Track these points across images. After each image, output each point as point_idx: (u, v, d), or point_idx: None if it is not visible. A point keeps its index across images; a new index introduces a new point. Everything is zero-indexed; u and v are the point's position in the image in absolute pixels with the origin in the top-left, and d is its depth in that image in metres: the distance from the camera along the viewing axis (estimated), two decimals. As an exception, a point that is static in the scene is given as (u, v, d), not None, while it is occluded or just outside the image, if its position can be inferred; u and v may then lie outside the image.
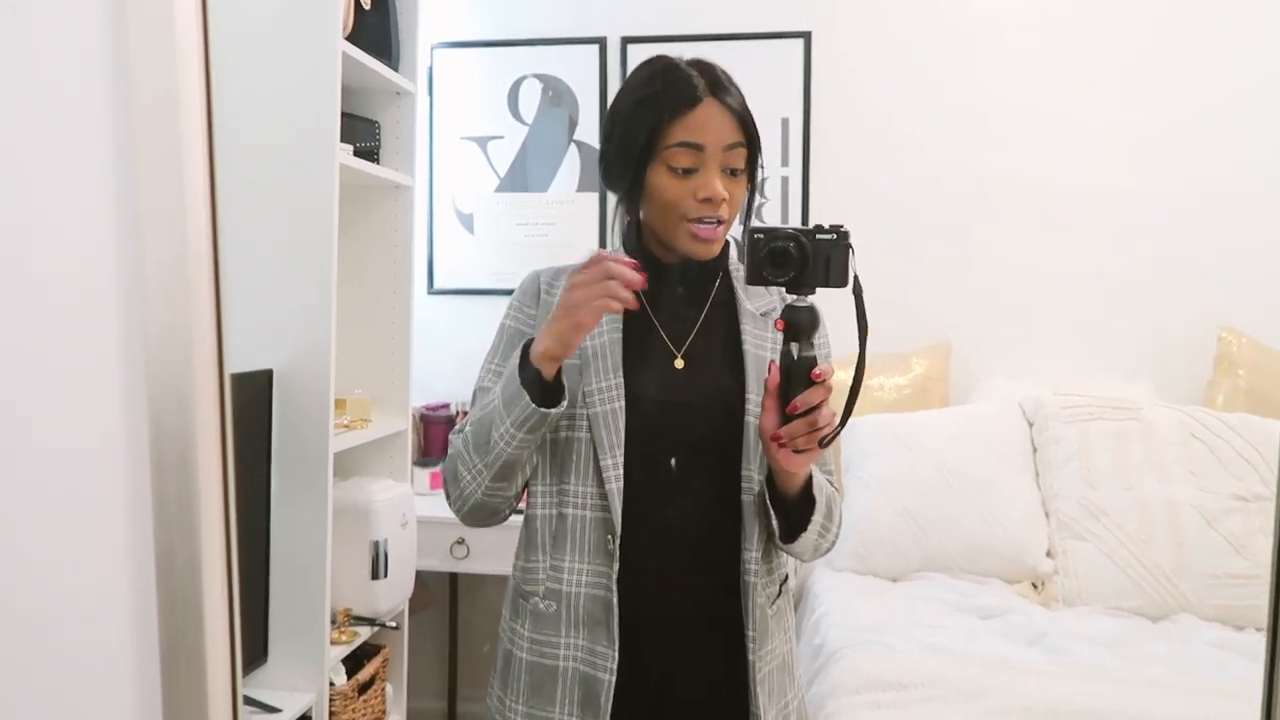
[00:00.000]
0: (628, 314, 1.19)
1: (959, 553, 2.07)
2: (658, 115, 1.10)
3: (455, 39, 2.78)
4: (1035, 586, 2.05)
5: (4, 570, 0.74)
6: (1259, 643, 1.79)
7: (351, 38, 1.93)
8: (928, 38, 2.60)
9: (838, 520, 1.18)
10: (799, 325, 1.02)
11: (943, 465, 2.15)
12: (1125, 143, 2.52)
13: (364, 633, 1.91)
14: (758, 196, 1.20)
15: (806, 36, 2.63)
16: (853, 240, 1.04)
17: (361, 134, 2.12)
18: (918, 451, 2.19)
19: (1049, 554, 2.05)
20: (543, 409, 1.08)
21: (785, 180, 2.66)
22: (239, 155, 1.81)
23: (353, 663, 1.89)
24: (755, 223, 1.09)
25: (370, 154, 2.14)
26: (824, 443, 1.05)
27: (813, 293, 1.04)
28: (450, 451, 1.19)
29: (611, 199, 1.23)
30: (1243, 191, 2.50)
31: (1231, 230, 2.51)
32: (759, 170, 1.18)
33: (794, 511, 1.12)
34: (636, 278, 1.06)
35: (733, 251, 1.25)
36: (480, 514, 1.17)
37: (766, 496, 1.13)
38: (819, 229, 1.03)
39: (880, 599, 1.96)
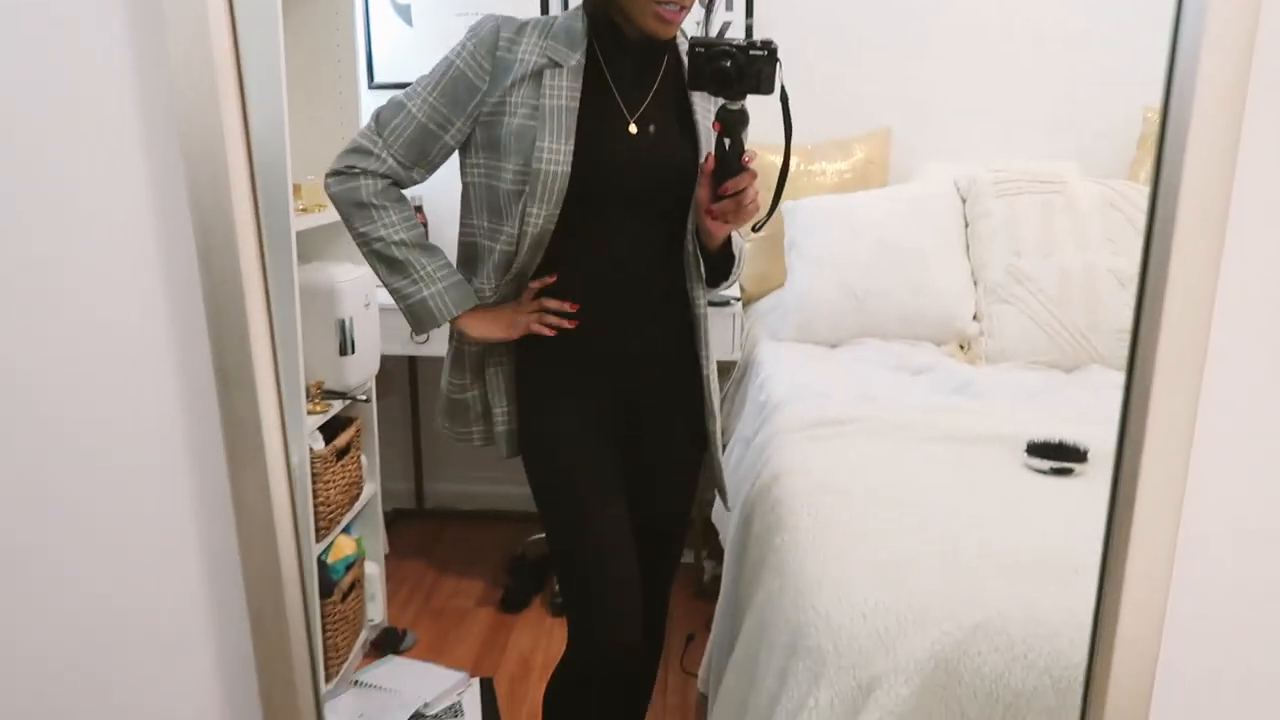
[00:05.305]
0: (586, 78, 1.26)
1: (893, 320, 2.21)
2: None
3: None
4: (962, 347, 2.21)
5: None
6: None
7: None
8: None
9: (741, 263, 1.42)
10: (732, 124, 1.21)
11: (880, 242, 2.26)
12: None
13: (336, 405, 2.02)
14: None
15: None
16: (780, 54, 1.20)
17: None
18: (857, 230, 2.29)
19: (975, 318, 2.21)
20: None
21: (731, -35, 2.62)
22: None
23: (329, 433, 2.00)
24: (695, 35, 1.29)
25: (305, -70, 2.06)
26: (757, 228, 1.30)
27: (744, 97, 1.20)
28: (355, 196, 1.31)
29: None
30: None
31: (1158, 8, 2.55)
32: None
33: (717, 260, 1.36)
34: (564, 323, 1.33)
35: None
36: None
37: (698, 247, 1.34)
38: (751, 45, 1.18)
39: (820, 362, 2.11)
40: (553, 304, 1.33)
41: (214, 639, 0.82)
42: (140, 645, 0.85)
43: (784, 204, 2.51)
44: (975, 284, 2.23)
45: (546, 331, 1.33)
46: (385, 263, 1.32)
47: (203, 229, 0.71)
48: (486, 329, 1.34)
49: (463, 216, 1.37)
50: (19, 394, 0.81)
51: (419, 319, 1.33)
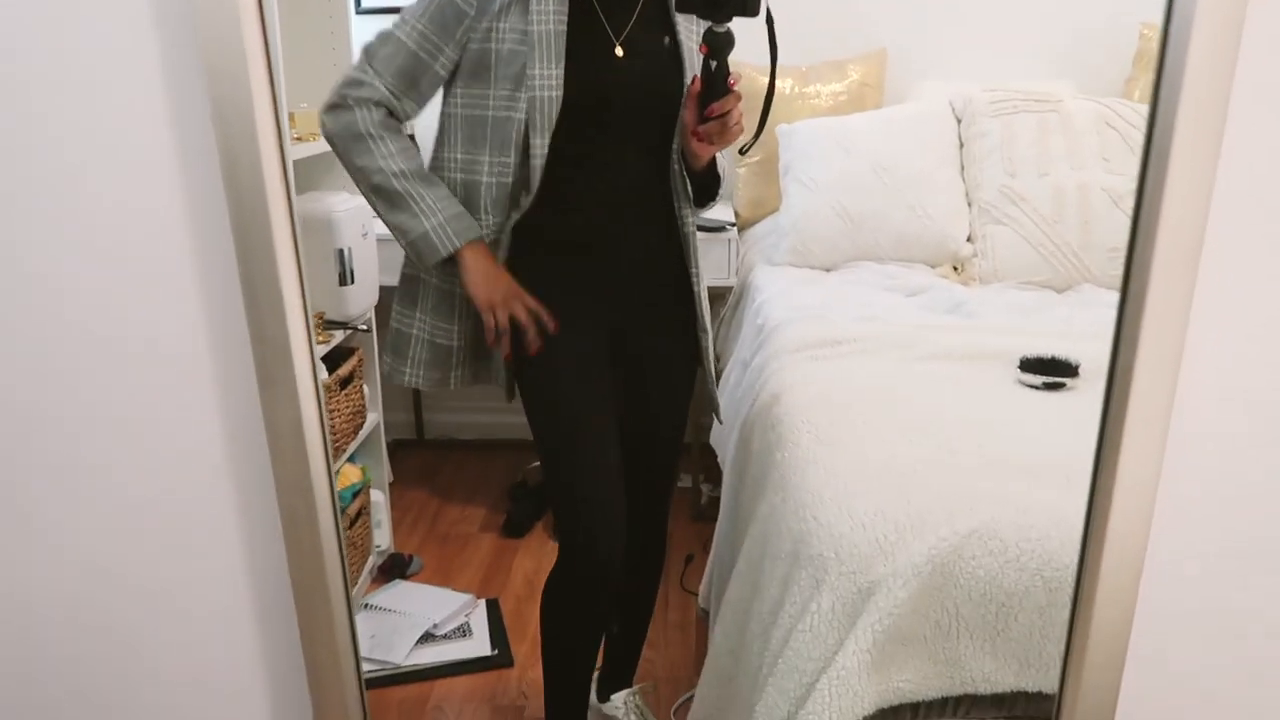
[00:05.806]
0: (573, 3, 1.25)
1: (888, 243, 2.23)
2: None
3: None
4: (956, 269, 2.23)
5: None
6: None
7: None
8: None
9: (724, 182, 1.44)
10: (719, 47, 1.20)
11: (876, 164, 2.26)
12: None
13: (338, 335, 2.04)
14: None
15: None
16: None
17: None
18: (853, 153, 2.29)
19: (969, 239, 2.22)
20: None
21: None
22: None
23: (331, 363, 2.03)
24: None
25: None
26: (744, 151, 1.32)
27: (730, 19, 1.18)
28: (353, 128, 1.29)
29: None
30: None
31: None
32: None
33: (704, 180, 1.39)
34: (537, 340, 1.34)
35: None
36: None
37: (684, 168, 1.37)
38: None
39: (816, 285, 2.13)
40: (533, 304, 1.35)
41: (244, 543, 0.85)
42: (173, 549, 0.88)
43: (779, 127, 2.50)
44: (970, 205, 2.24)
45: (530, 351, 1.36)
46: (385, 197, 1.30)
47: (227, 148, 0.72)
48: (478, 283, 1.32)
49: (435, 152, 1.36)
50: (57, 315, 0.83)
51: (421, 254, 1.32)
